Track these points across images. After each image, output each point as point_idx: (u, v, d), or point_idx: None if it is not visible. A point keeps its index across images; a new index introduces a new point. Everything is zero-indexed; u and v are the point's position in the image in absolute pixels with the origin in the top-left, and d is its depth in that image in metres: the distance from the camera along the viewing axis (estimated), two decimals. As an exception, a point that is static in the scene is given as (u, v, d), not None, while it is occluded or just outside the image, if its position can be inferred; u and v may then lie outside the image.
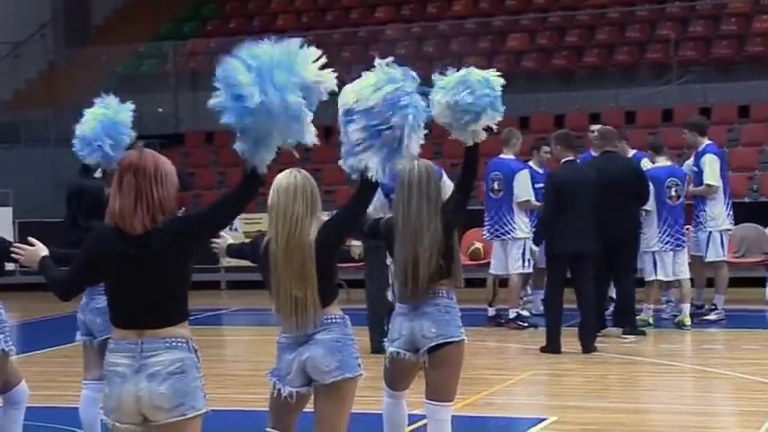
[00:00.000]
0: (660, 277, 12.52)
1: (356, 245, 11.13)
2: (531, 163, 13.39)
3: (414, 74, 5.38)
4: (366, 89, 5.27)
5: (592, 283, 11.16)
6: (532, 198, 12.82)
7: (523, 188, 12.77)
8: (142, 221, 4.55)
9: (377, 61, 5.40)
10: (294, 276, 5.30)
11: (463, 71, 6.18)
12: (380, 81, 5.29)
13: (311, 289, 5.30)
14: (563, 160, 11.39)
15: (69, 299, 4.90)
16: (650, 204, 12.35)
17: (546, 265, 11.82)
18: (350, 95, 5.29)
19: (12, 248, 5.30)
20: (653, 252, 12.47)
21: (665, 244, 12.47)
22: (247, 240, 6.06)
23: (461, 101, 6.09)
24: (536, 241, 11.99)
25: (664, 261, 12.49)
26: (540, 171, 13.29)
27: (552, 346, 11.08)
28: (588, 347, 11.04)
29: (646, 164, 12.90)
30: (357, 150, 5.21)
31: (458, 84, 6.12)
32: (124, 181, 4.58)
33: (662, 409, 9.06)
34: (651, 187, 12.32)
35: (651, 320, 12.59)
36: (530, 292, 13.84)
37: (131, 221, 4.55)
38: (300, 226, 5.30)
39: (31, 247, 5.10)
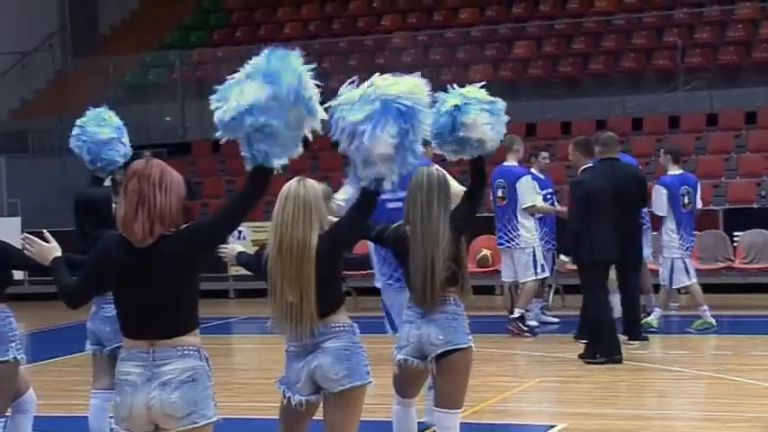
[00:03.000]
0: (694, 281, 12.63)
1: None
2: (532, 169, 13.37)
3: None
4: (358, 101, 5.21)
5: (606, 291, 11.09)
6: (538, 202, 12.80)
7: (527, 193, 12.64)
8: (142, 227, 4.54)
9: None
10: (288, 282, 5.31)
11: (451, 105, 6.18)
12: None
13: (307, 295, 5.30)
14: (583, 167, 11.14)
15: (77, 307, 4.88)
16: (663, 211, 12.41)
17: (582, 274, 11.29)
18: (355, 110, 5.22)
19: (23, 240, 5.14)
20: (681, 258, 12.52)
21: (686, 250, 12.59)
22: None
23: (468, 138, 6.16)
24: (566, 251, 11.30)
25: (688, 266, 12.63)
26: (542, 177, 13.30)
27: (614, 354, 10.79)
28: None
29: None
30: (375, 161, 5.16)
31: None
32: (129, 187, 4.58)
33: (671, 416, 9.06)
34: (662, 195, 12.37)
35: (712, 321, 12.68)
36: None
37: (132, 227, 4.54)
38: (291, 230, 5.30)
39: (45, 244, 5.03)
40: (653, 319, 12.67)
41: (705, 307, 12.68)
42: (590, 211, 10.80)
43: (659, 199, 12.54)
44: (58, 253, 5.00)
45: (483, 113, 6.17)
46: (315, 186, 5.41)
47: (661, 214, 12.55)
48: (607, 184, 11.02)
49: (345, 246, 5.56)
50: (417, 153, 5.22)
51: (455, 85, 6.30)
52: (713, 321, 12.66)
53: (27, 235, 5.13)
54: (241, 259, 6.03)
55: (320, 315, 5.33)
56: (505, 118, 6.31)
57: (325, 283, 5.35)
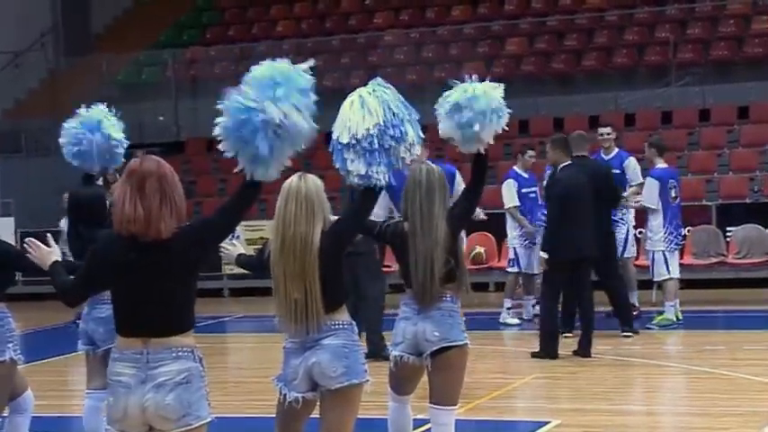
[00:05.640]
0: (674, 275, 12.66)
1: None
2: (515, 167, 13.44)
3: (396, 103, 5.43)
4: (357, 120, 5.34)
5: (591, 287, 11.18)
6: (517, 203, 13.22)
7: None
8: (167, 225, 4.56)
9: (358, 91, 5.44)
10: (292, 278, 5.32)
11: (460, 91, 6.19)
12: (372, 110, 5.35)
13: (312, 292, 5.31)
14: (562, 165, 11.21)
15: (75, 305, 4.93)
16: (654, 203, 12.48)
17: (547, 269, 11.66)
18: (343, 130, 5.35)
19: (26, 245, 5.19)
20: (662, 251, 12.58)
21: (671, 243, 12.63)
22: (254, 251, 6.10)
23: (464, 122, 6.14)
24: (543, 247, 11.38)
25: (673, 260, 12.68)
26: (526, 175, 13.35)
27: (548, 351, 11.02)
28: (586, 353, 11.01)
29: (631, 163, 13.03)
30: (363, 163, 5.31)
31: (456, 105, 6.15)
32: (147, 186, 4.56)
33: (665, 411, 9.08)
34: (655, 186, 12.45)
35: (680, 316, 12.76)
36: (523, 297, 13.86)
37: (158, 225, 4.55)
38: (294, 227, 5.32)
39: (46, 248, 5.08)
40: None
41: (672, 303, 12.70)
42: (565, 208, 10.88)
43: (651, 191, 12.58)
44: (58, 257, 5.05)
45: (456, 132, 6.17)
46: (316, 181, 5.44)
47: (652, 207, 12.59)
48: (584, 182, 11.13)
49: (348, 241, 5.58)
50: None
51: (473, 77, 6.27)
52: (674, 318, 12.70)
53: (31, 239, 5.17)
54: (240, 260, 6.06)
55: (324, 311, 5.35)
56: (499, 125, 6.25)
57: (329, 279, 5.37)
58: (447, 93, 6.24)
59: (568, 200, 10.88)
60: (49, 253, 5.05)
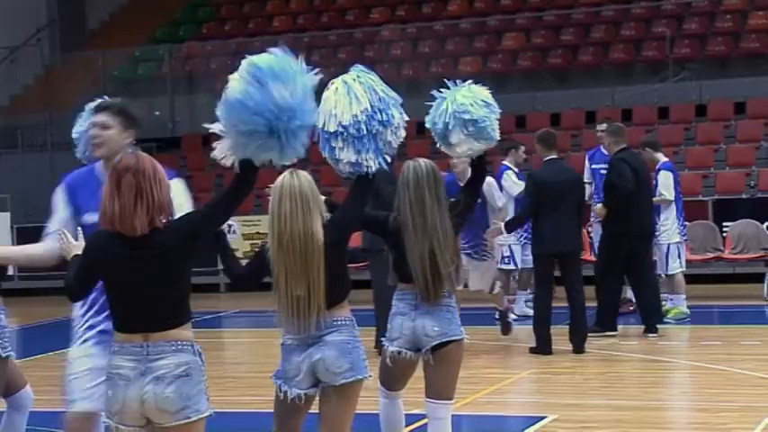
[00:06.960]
0: (683, 268, 12.84)
1: None
2: (507, 163, 13.39)
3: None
4: (343, 108, 5.34)
5: (581, 282, 11.20)
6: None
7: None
8: (141, 222, 4.56)
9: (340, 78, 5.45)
10: (294, 275, 5.29)
11: (447, 104, 6.16)
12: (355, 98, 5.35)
13: (315, 288, 5.28)
14: (545, 159, 11.33)
15: (77, 300, 4.98)
16: (672, 194, 12.59)
17: (533, 265, 11.77)
18: (329, 118, 5.34)
19: (59, 234, 5.17)
20: (677, 244, 12.67)
21: (683, 236, 12.78)
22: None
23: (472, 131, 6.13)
24: (509, 230, 11.67)
25: (683, 252, 12.88)
26: (516, 170, 13.36)
27: (542, 347, 11.03)
28: (579, 348, 11.01)
29: None
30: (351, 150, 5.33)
31: (452, 120, 6.13)
32: (123, 182, 4.57)
33: (662, 406, 9.08)
34: (669, 180, 12.60)
35: (687, 311, 12.84)
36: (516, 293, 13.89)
37: (131, 222, 4.55)
38: (290, 224, 5.28)
39: (74, 242, 5.06)
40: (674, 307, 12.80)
41: (684, 296, 12.75)
42: (539, 203, 10.94)
43: (668, 183, 12.69)
44: (79, 252, 5.01)
45: (468, 138, 6.14)
46: (308, 177, 5.40)
47: (670, 198, 12.66)
48: (569, 176, 11.22)
49: (351, 231, 5.58)
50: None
51: (457, 82, 6.23)
52: (687, 310, 12.76)
53: (63, 230, 5.17)
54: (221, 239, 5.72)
55: (327, 307, 5.33)
56: (495, 130, 6.20)
57: (334, 274, 5.35)
58: (429, 118, 6.20)
59: (541, 194, 10.93)
60: (75, 246, 5.03)
